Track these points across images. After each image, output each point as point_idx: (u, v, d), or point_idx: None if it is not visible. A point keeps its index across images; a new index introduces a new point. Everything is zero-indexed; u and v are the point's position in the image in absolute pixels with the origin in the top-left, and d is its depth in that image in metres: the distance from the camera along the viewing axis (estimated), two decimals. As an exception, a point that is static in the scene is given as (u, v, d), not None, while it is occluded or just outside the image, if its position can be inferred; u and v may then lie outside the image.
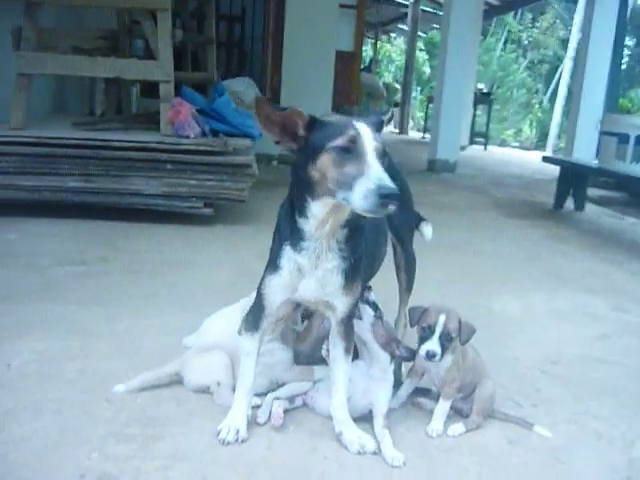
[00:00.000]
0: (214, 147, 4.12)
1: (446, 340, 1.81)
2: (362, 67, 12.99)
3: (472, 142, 14.11)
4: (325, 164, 1.44)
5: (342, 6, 8.49)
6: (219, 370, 1.93)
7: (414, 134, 16.48)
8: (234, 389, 1.87)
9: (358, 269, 1.65)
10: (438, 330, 1.81)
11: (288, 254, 1.61)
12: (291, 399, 1.89)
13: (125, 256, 3.45)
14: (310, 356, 2.01)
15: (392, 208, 1.35)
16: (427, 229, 2.34)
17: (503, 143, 18.18)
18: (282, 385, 1.94)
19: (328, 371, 1.84)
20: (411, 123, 18.59)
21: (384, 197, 1.33)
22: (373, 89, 11.20)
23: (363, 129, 1.45)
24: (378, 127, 1.56)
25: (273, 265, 1.64)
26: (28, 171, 3.88)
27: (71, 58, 4.32)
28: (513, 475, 1.69)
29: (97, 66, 4.28)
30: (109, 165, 3.96)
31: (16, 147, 3.86)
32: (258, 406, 1.86)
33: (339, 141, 1.43)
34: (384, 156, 1.44)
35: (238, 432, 1.72)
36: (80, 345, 2.26)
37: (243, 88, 6.76)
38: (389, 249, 2.16)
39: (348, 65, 8.94)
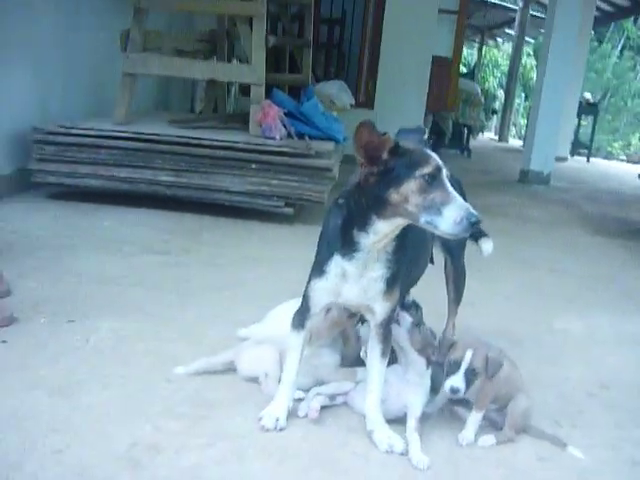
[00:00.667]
0: (297, 149, 4.29)
1: (471, 375, 1.87)
2: (464, 72, 12.85)
3: (574, 154, 13.62)
4: (411, 189, 1.57)
5: (442, 11, 8.47)
6: (268, 362, 2.08)
7: (515, 142, 16.09)
8: (280, 381, 2.03)
9: (398, 276, 1.76)
10: (464, 366, 1.87)
11: (336, 261, 1.73)
12: (332, 396, 2.00)
13: (206, 249, 3.69)
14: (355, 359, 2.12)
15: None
16: (486, 245, 2.38)
17: (609, 156, 17.37)
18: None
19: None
20: (513, 130, 18.16)
21: (474, 224, 1.50)
22: (470, 95, 11.05)
23: (438, 159, 1.59)
24: (422, 144, 1.66)
25: (320, 270, 1.77)
26: (125, 164, 4.22)
27: (172, 60, 4.63)
28: (536, 491, 1.73)
29: (194, 68, 4.57)
30: (198, 162, 4.22)
31: (116, 141, 4.20)
32: (301, 399, 1.99)
33: (427, 170, 1.56)
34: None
35: (278, 420, 1.86)
36: (152, 328, 2.48)
37: (336, 91, 6.91)
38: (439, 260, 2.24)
39: (445, 70, 8.90)
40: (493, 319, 2.96)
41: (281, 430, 1.86)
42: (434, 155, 1.60)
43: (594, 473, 1.82)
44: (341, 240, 1.71)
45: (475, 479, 1.75)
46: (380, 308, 1.78)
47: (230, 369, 2.16)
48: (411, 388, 1.92)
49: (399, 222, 1.64)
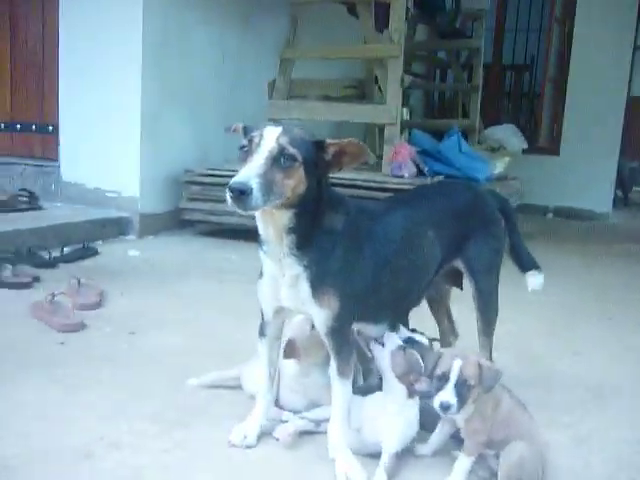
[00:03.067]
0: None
1: (463, 389, 1.60)
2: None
3: None
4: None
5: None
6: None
7: None
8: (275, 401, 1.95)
9: (331, 283, 1.59)
10: (453, 378, 1.60)
11: (263, 258, 1.65)
12: (317, 423, 1.86)
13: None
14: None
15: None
16: (533, 279, 2.09)
17: None
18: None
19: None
20: None
21: (230, 188, 1.37)
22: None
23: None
24: None
25: (260, 271, 1.69)
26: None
27: (311, 104, 4.82)
28: None
29: (332, 111, 4.71)
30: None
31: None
32: (285, 421, 1.88)
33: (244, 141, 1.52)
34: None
35: (246, 438, 1.78)
36: (201, 343, 2.55)
37: (506, 135, 6.61)
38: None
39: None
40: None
41: (248, 447, 1.77)
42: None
43: None
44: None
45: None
46: (317, 315, 1.62)
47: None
48: (387, 419, 1.70)
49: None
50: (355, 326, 1.76)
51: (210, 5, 4.97)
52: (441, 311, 2.18)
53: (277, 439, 1.80)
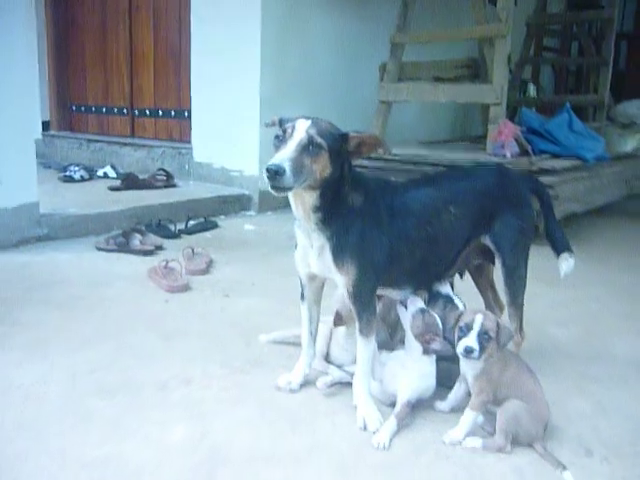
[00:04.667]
0: (518, 166, 4.19)
1: (484, 338, 1.81)
2: None
3: None
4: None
5: None
6: (317, 339, 2.31)
7: None
8: (327, 358, 2.28)
9: (350, 253, 1.85)
10: (476, 328, 1.82)
11: (297, 232, 1.94)
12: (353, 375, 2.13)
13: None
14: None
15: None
16: (565, 263, 2.21)
17: None
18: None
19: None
20: None
21: (267, 170, 1.63)
22: None
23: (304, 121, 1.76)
24: None
25: (295, 244, 1.99)
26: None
27: (419, 85, 4.97)
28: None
29: (438, 92, 4.83)
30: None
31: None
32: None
33: (279, 131, 1.79)
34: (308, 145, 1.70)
35: (290, 383, 2.11)
36: (283, 307, 2.88)
37: (638, 110, 6.27)
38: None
39: None
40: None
41: (291, 392, 2.10)
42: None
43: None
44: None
45: (424, 472, 1.71)
46: (340, 281, 1.89)
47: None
48: (404, 372, 1.95)
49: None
50: (380, 291, 2.02)
51: (326, -7, 5.27)
52: (484, 285, 2.35)
53: (317, 387, 2.11)
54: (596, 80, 6.40)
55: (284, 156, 1.68)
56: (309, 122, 1.77)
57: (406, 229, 1.95)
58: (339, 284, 1.92)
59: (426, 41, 5.11)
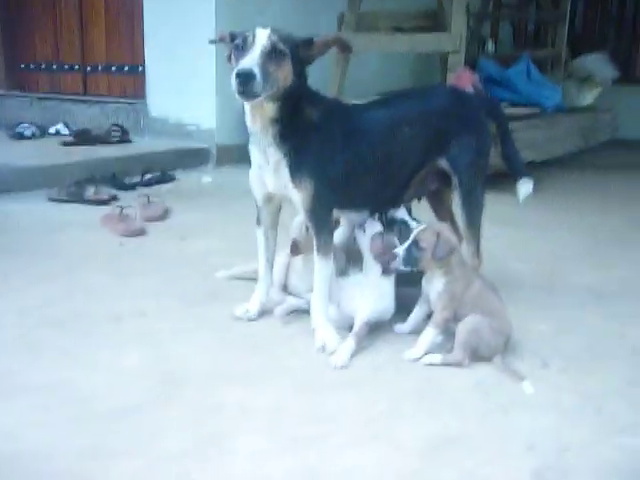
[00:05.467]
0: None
1: (413, 249, 1.83)
2: None
3: None
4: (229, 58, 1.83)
5: None
6: (275, 269, 2.26)
7: None
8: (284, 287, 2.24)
9: (307, 169, 1.81)
10: (411, 238, 1.85)
11: (251, 149, 1.89)
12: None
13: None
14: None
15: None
16: (524, 187, 2.20)
17: None
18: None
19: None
20: None
21: (237, 75, 1.61)
22: None
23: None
24: None
25: (250, 164, 1.93)
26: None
27: (377, 36, 4.90)
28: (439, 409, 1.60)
29: (396, 42, 4.78)
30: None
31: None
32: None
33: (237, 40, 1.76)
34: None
35: (248, 312, 2.07)
36: (239, 246, 2.78)
37: (596, 65, 6.32)
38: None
39: None
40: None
41: (249, 320, 2.07)
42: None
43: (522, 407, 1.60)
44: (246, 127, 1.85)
45: (384, 388, 1.70)
46: (296, 197, 1.85)
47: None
48: (362, 293, 1.92)
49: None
50: (338, 213, 1.99)
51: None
52: (442, 214, 2.33)
53: (275, 315, 2.08)
54: (554, 36, 6.41)
55: (252, 61, 1.64)
56: (269, 29, 1.72)
57: (362, 148, 1.92)
58: (295, 201, 1.87)
59: (384, -11, 5.03)
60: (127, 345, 1.88)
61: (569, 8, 6.35)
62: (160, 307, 2.17)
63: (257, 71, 1.62)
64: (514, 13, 7.46)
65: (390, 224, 2.03)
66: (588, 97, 6.39)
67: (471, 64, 5.15)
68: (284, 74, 1.72)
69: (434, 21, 5.44)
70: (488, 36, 7.10)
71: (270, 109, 1.77)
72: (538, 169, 4.69)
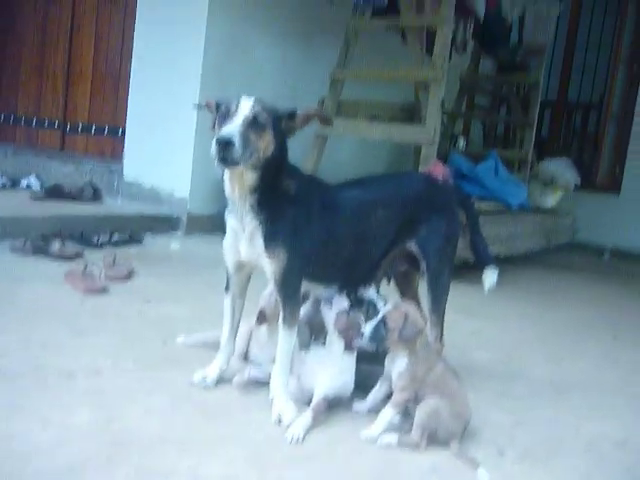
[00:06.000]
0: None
1: (381, 327, 1.84)
2: None
3: None
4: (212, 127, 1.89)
5: None
6: (237, 338, 2.25)
7: None
8: (245, 357, 2.22)
9: (281, 240, 1.83)
10: (379, 316, 1.87)
11: (228, 217, 1.91)
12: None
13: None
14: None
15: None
16: (490, 276, 2.26)
17: None
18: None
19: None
20: None
21: (218, 142, 1.65)
22: None
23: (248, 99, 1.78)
24: None
25: (225, 229, 1.95)
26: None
27: (355, 123, 5.09)
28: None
29: (373, 130, 4.97)
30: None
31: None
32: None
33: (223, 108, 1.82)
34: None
35: (205, 378, 2.03)
36: (204, 314, 2.80)
37: (559, 169, 6.64)
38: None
39: None
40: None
41: (206, 388, 2.02)
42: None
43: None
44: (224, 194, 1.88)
45: (338, 467, 1.67)
46: (268, 267, 1.86)
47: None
48: (323, 367, 1.91)
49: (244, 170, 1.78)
50: (308, 286, 2.00)
51: (273, 22, 5.38)
52: (408, 295, 2.36)
53: (234, 384, 2.04)
54: (522, 138, 6.75)
55: (233, 129, 1.69)
56: (253, 99, 1.79)
57: (336, 225, 1.96)
58: (267, 271, 1.88)
59: (365, 78, 5.27)
60: (79, 403, 1.81)
61: (537, 115, 6.71)
62: (116, 367, 2.12)
63: (237, 139, 1.67)
64: (485, 114, 7.85)
65: (358, 303, 2.05)
66: (551, 199, 6.69)
67: (443, 158, 5.37)
68: (264, 144, 1.77)
69: (411, 114, 5.70)
70: (460, 134, 7.43)
71: (250, 178, 1.81)
72: (502, 264, 4.82)
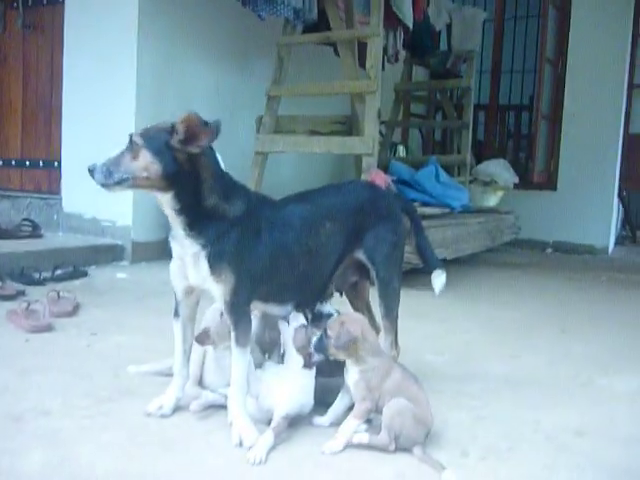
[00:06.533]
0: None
1: (322, 340, 1.85)
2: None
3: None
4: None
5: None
6: (191, 363, 2.20)
7: None
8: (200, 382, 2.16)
9: (227, 261, 1.80)
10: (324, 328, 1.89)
11: (171, 241, 1.88)
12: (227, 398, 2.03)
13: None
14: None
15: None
16: (438, 279, 2.27)
17: None
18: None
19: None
20: None
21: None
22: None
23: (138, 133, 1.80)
24: None
25: (170, 256, 1.92)
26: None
27: (294, 138, 5.11)
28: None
29: (313, 144, 4.99)
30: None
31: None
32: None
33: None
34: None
35: (161, 408, 1.98)
36: (154, 342, 2.73)
37: (497, 170, 6.82)
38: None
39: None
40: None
41: (163, 416, 1.97)
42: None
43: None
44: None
45: (306, 480, 1.65)
46: (216, 290, 1.83)
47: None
48: (282, 386, 1.89)
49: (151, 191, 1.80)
50: (261, 306, 1.98)
51: (207, 43, 5.36)
52: (359, 306, 2.36)
53: (190, 410, 2.00)
54: (459, 143, 6.91)
55: (103, 160, 1.76)
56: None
57: (285, 242, 1.93)
58: (215, 294, 1.85)
59: (300, 94, 5.30)
60: (29, 446, 1.73)
61: (472, 119, 6.88)
62: (66, 405, 2.04)
63: (97, 165, 1.75)
64: (422, 121, 8.01)
65: (317, 318, 2.04)
66: (492, 199, 6.85)
67: (383, 167, 5.44)
68: (143, 163, 1.73)
69: (349, 126, 5.74)
70: (399, 142, 7.56)
71: (165, 199, 1.79)
72: (450, 266, 4.90)
